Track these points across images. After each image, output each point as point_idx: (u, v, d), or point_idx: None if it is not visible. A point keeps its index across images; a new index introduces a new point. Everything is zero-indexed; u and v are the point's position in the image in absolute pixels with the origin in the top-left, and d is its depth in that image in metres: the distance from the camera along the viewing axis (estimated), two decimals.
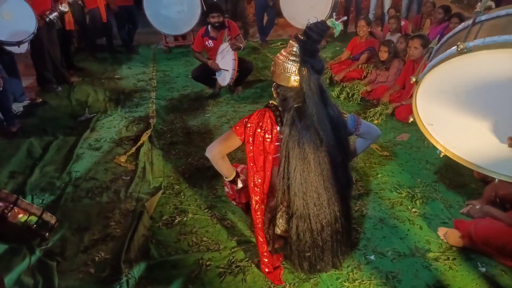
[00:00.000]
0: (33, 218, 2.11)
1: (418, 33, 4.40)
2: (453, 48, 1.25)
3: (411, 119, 1.67)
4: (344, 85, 4.55)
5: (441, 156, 1.68)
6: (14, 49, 3.90)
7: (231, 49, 4.26)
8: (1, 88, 3.35)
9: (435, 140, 1.65)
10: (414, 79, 1.48)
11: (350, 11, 7.67)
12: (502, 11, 1.29)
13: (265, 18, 7.07)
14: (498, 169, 1.57)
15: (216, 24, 4.36)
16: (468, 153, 1.60)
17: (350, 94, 4.36)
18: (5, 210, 2.00)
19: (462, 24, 1.43)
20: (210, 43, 4.53)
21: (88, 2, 5.89)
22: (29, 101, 4.50)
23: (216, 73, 4.56)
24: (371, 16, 6.82)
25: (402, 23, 5.73)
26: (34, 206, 2.17)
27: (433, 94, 1.50)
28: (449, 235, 2.25)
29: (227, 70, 4.34)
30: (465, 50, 1.20)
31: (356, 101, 4.31)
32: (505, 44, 1.13)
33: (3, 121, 3.73)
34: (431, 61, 1.42)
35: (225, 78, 4.41)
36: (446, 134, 1.61)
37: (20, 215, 2.08)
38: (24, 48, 4.02)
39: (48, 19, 4.42)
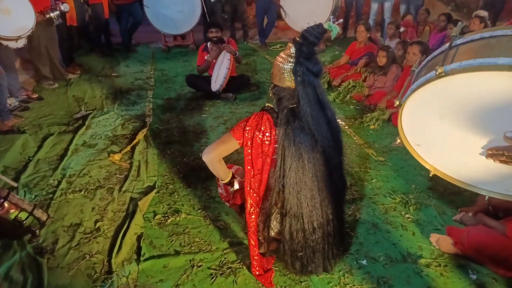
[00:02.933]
0: (24, 214, 2.09)
1: (418, 40, 4.41)
2: (432, 72, 1.30)
3: (398, 141, 1.68)
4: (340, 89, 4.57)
5: (430, 175, 1.70)
6: (12, 44, 3.89)
7: (226, 56, 4.37)
8: None
9: (423, 160, 1.67)
10: (397, 102, 1.52)
11: (350, 16, 7.69)
12: (476, 35, 1.35)
13: (265, 21, 7.08)
14: (488, 187, 1.59)
15: (214, 38, 4.52)
16: (456, 171, 1.62)
17: (347, 91, 4.41)
18: None
19: (440, 48, 1.48)
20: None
21: None
22: (25, 97, 4.48)
23: (211, 78, 4.58)
24: (371, 22, 6.85)
25: (401, 29, 5.76)
26: (26, 202, 2.15)
27: (418, 116, 1.54)
28: (441, 241, 2.25)
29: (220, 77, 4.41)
30: (443, 74, 1.26)
31: (350, 99, 4.36)
32: (480, 67, 1.19)
33: None
34: (413, 85, 1.47)
35: (216, 83, 4.46)
36: (434, 153, 1.64)
37: (12, 210, 2.07)
38: (21, 43, 4.00)
39: (48, 16, 4.42)
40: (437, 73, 1.26)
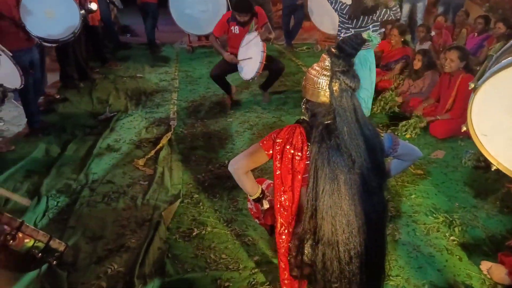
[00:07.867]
0: (40, 245, 1.99)
1: (456, 45, 4.12)
2: None
3: (464, 128, 1.53)
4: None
5: (492, 169, 1.55)
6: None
7: (260, 41, 3.68)
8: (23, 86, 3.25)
9: (487, 152, 1.53)
10: (472, 85, 1.36)
11: None
12: None
13: (292, 21, 6.89)
14: None
15: (243, 22, 3.95)
16: None
17: (384, 106, 4.13)
18: (8, 237, 1.88)
19: None
20: (236, 29, 4.04)
21: None
22: (48, 96, 4.44)
23: (238, 68, 4.07)
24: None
25: (433, 33, 5.48)
26: (41, 233, 2.04)
27: (491, 103, 1.40)
28: (494, 270, 2.03)
29: (250, 58, 3.81)
30: None
31: (389, 111, 4.07)
32: None
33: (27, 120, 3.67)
34: (491, 68, 1.30)
35: (249, 71, 3.83)
36: (501, 146, 1.47)
37: (26, 240, 1.96)
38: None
39: None
40: None
